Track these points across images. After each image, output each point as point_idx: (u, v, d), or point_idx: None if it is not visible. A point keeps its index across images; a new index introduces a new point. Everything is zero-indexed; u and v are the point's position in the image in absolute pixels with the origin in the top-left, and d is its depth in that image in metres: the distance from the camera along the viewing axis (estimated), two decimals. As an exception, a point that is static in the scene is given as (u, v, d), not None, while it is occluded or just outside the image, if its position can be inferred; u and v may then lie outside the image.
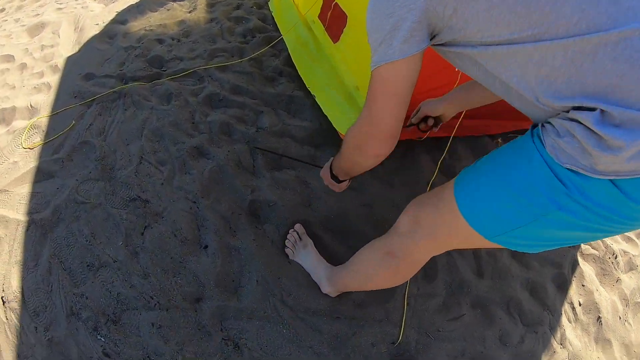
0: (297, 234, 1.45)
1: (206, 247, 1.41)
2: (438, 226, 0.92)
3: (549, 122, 0.70)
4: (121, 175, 1.52)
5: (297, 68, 1.93)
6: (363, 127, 0.86)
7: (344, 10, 1.79)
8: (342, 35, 1.86)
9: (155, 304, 1.27)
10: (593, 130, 0.62)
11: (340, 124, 1.70)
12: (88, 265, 1.32)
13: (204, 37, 2.08)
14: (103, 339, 1.19)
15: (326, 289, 1.34)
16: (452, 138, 1.62)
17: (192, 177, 1.55)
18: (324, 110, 1.75)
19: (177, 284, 1.32)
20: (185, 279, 1.33)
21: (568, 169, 0.67)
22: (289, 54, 2.03)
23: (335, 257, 1.44)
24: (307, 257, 1.40)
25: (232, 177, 1.57)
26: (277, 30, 2.21)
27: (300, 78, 1.92)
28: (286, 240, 1.45)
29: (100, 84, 1.81)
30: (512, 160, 0.77)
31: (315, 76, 1.91)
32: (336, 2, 1.82)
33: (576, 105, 0.64)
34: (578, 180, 0.66)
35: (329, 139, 1.76)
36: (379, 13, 0.74)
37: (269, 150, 1.53)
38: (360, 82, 1.80)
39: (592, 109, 0.62)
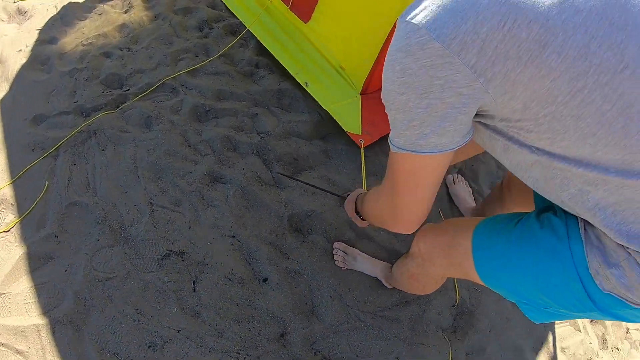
0: (341, 250, 1.41)
1: (266, 279, 1.31)
2: (450, 270, 0.92)
3: (597, 237, 0.61)
4: (137, 231, 1.30)
5: (277, 59, 1.75)
6: (385, 212, 0.76)
7: None
8: (314, 13, 1.70)
9: (245, 357, 1.17)
10: None
11: (340, 117, 1.63)
12: (150, 346, 1.15)
13: (157, 39, 1.74)
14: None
15: (387, 285, 1.37)
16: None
17: (218, 209, 1.39)
18: (322, 105, 1.65)
19: (255, 328, 1.22)
20: (262, 320, 1.24)
21: (607, 293, 0.61)
22: (257, 40, 1.81)
23: (392, 250, 1.44)
24: (363, 264, 1.39)
25: (259, 196, 1.44)
26: (233, 14, 1.94)
27: (280, 65, 1.74)
28: (334, 258, 1.41)
29: (57, 125, 1.45)
30: (543, 257, 0.67)
31: (296, 64, 1.76)
32: None
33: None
34: (611, 304, 0.62)
35: (332, 128, 1.67)
36: (407, 84, 0.53)
37: (295, 179, 1.41)
38: (344, 61, 1.71)
39: None
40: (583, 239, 0.62)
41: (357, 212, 1.05)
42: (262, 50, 1.83)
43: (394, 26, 1.24)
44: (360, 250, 1.41)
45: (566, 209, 0.65)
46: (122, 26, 1.78)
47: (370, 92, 1.72)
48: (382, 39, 1.49)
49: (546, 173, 0.58)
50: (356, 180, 1.56)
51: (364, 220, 1.05)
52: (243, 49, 1.84)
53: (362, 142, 1.60)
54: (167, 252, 1.29)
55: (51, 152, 1.40)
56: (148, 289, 1.22)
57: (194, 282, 1.26)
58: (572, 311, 0.69)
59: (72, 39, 1.69)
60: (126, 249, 1.27)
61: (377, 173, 1.59)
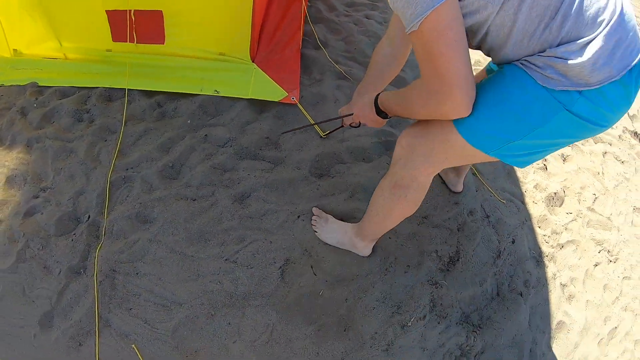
0: (317, 216, 1.52)
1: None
2: (434, 149, 1.01)
3: (527, 61, 0.85)
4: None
5: (170, 90, 1.88)
6: (432, 89, 0.82)
7: (153, 9, 1.74)
8: (165, 31, 1.82)
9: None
10: (568, 59, 0.79)
11: (262, 94, 1.86)
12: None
13: (58, 159, 1.71)
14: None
15: (360, 245, 1.42)
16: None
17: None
18: (243, 97, 1.85)
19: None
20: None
21: (561, 90, 0.82)
22: (137, 91, 1.88)
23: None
24: (333, 229, 1.47)
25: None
26: (89, 87, 1.92)
27: (178, 93, 1.88)
28: (312, 224, 1.51)
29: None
30: (506, 88, 0.89)
31: (190, 82, 1.88)
32: (136, 10, 1.73)
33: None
34: (568, 99, 0.83)
35: (260, 102, 1.87)
36: None
37: (296, 128, 1.64)
38: (220, 48, 1.88)
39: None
40: (527, 69, 0.85)
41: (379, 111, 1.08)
42: (150, 94, 1.89)
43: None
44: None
45: (516, 53, 0.86)
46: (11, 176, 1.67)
47: (261, 55, 1.95)
48: (247, 9, 1.72)
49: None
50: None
51: (385, 119, 1.11)
52: (135, 105, 1.86)
53: (294, 100, 1.86)
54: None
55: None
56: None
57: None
58: (545, 125, 0.86)
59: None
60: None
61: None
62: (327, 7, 2.53)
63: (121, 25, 1.79)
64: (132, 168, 1.66)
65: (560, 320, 1.65)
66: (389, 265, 1.49)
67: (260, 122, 1.82)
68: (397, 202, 1.16)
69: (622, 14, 0.81)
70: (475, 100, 0.85)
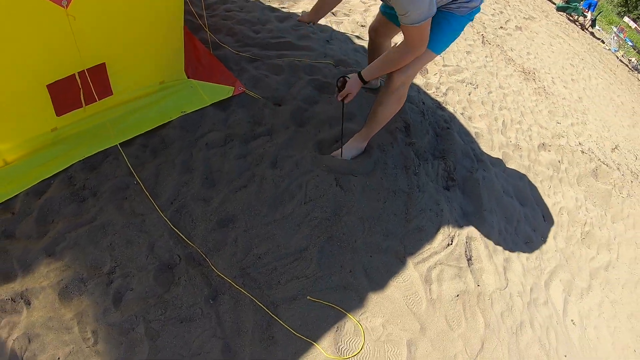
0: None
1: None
2: (418, 65, 1.76)
3: (447, 6, 1.65)
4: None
5: (138, 133, 1.93)
6: (408, 57, 1.59)
7: (96, 64, 1.74)
8: (110, 82, 1.86)
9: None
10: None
11: (212, 97, 2.13)
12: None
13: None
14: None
15: (362, 145, 2.03)
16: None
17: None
18: (203, 106, 2.08)
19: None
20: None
21: (467, 14, 1.68)
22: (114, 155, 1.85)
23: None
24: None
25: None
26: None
27: (145, 134, 1.94)
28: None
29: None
30: (447, 21, 1.67)
31: (152, 120, 1.97)
32: (80, 71, 1.71)
33: None
34: (469, 15, 1.69)
35: (219, 103, 2.15)
36: None
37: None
38: (158, 77, 2.03)
39: None
40: (451, 10, 1.64)
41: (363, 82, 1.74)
42: (126, 144, 1.89)
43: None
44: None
45: None
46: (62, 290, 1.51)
47: (188, 72, 2.17)
48: (177, 19, 1.89)
49: None
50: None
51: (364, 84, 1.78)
52: (121, 158, 1.85)
53: (242, 89, 2.21)
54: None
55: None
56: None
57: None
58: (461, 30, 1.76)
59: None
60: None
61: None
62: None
63: (65, 94, 1.72)
64: (175, 199, 1.76)
65: (475, 129, 2.66)
66: (383, 147, 2.15)
67: (234, 114, 2.10)
68: (398, 106, 1.89)
69: None
70: (437, 31, 1.60)
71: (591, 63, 7.62)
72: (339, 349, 1.48)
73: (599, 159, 3.54)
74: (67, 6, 1.49)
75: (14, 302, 1.47)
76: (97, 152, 1.83)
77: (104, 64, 1.77)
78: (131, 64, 1.87)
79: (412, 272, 1.76)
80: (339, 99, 1.78)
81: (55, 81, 1.67)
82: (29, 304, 1.47)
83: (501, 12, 6.39)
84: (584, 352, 2.01)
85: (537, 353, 1.81)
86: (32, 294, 1.49)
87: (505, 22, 5.95)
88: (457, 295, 1.76)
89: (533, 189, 2.72)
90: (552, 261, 2.32)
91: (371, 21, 2.38)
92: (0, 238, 1.60)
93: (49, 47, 1.57)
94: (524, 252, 2.23)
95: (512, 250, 2.17)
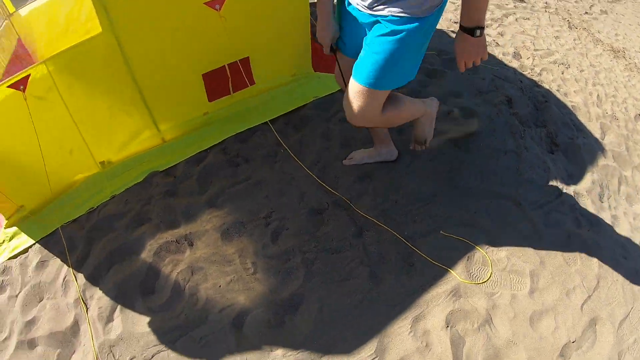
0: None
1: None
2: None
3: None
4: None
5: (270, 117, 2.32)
6: None
7: (242, 57, 2.10)
8: (253, 73, 2.25)
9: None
10: None
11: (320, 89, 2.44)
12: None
13: None
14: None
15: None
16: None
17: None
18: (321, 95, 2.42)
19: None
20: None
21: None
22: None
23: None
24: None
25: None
26: None
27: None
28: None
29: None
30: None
31: (284, 105, 2.34)
32: (229, 64, 2.06)
33: None
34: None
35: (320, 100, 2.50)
36: None
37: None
38: (291, 71, 2.40)
39: None
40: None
41: None
42: (267, 123, 2.31)
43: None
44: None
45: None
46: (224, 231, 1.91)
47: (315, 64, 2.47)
48: (304, 23, 2.16)
49: None
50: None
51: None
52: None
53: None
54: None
55: None
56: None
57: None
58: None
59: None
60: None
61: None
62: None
63: (217, 82, 2.07)
64: (319, 162, 2.18)
65: (572, 103, 2.81)
66: (491, 117, 2.41)
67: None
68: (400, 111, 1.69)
69: None
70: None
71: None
72: (470, 276, 1.77)
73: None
74: (219, 9, 1.86)
75: (178, 243, 1.83)
76: (246, 129, 2.21)
77: (248, 57, 2.11)
78: (269, 58, 2.20)
79: (528, 214, 1.99)
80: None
81: (210, 71, 2.02)
82: (192, 245, 1.83)
83: (583, -2, 6.26)
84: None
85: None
86: (196, 236, 1.85)
87: (590, 7, 5.85)
88: (569, 237, 1.96)
89: (632, 155, 2.78)
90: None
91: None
92: (165, 196, 2.02)
93: (205, 42, 1.93)
94: (628, 212, 2.34)
95: (616, 208, 2.30)
